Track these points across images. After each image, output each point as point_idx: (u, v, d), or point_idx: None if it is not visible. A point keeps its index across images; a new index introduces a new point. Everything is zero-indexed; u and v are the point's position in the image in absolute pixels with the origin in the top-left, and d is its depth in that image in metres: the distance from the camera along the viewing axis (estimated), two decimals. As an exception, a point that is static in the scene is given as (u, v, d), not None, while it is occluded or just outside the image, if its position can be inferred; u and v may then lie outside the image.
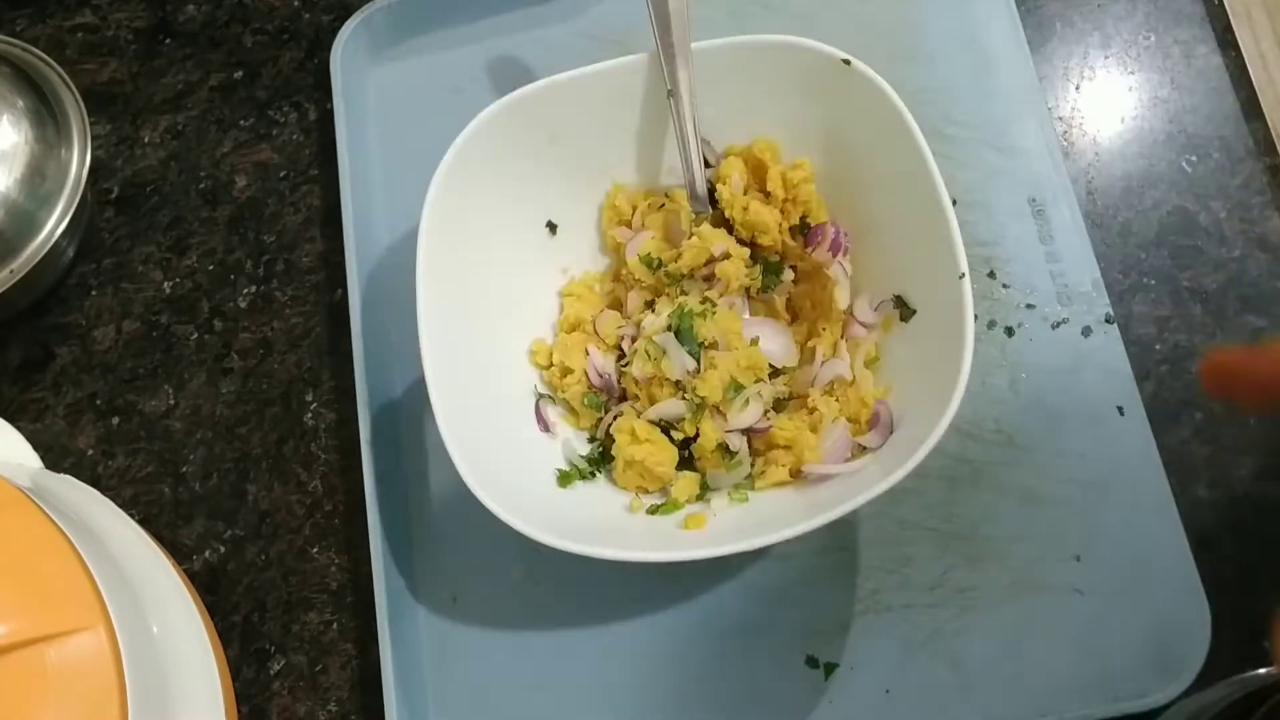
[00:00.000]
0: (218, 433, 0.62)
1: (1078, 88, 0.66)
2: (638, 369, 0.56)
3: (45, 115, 0.62)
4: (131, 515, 0.55)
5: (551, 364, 0.58)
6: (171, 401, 0.63)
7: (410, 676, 0.55)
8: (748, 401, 0.55)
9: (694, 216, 0.59)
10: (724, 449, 0.55)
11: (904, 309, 0.54)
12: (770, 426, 0.55)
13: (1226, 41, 0.66)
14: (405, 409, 0.61)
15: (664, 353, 0.55)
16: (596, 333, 0.59)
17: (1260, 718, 0.44)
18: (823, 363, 0.56)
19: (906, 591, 0.55)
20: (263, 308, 0.64)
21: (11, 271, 0.60)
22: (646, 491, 0.56)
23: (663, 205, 0.60)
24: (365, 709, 0.57)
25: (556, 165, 0.59)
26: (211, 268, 0.66)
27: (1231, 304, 0.61)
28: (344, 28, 0.67)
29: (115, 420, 0.63)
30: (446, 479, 0.59)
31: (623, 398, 0.58)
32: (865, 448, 0.53)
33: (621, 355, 0.58)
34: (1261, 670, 0.53)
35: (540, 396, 0.58)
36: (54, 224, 0.61)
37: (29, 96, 0.62)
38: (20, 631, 0.43)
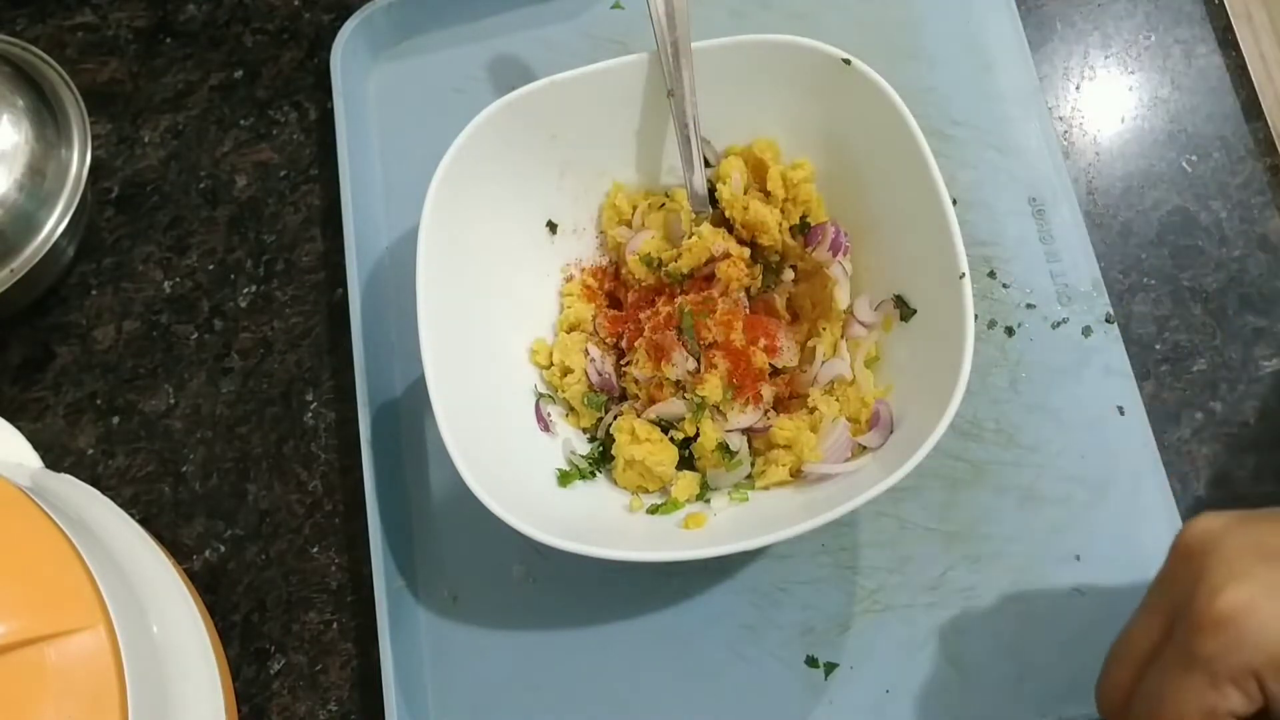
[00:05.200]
0: (218, 432, 0.62)
1: (1078, 88, 0.66)
2: (638, 369, 0.56)
3: (45, 115, 0.62)
4: (131, 515, 0.55)
5: (551, 364, 0.58)
6: (171, 401, 0.63)
7: (410, 676, 0.55)
8: (748, 401, 0.55)
9: (694, 216, 0.59)
10: (724, 449, 0.55)
11: (904, 309, 0.54)
12: (770, 426, 0.55)
13: (1226, 41, 0.66)
14: (405, 409, 0.61)
15: (665, 352, 0.55)
16: (596, 333, 0.59)
17: None
18: (823, 362, 0.56)
19: (906, 591, 0.55)
20: (263, 307, 0.64)
21: (11, 271, 0.60)
22: (646, 491, 0.56)
23: (663, 205, 0.60)
24: (365, 709, 0.57)
25: (557, 165, 0.59)
26: (211, 267, 0.66)
27: (1231, 304, 0.61)
28: (344, 27, 0.67)
29: (115, 420, 0.63)
30: (446, 479, 0.59)
31: (623, 397, 0.58)
32: (865, 447, 0.53)
33: (621, 355, 0.58)
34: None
35: (540, 396, 0.58)
36: (54, 224, 0.61)
37: (29, 96, 0.62)
38: (20, 631, 0.43)
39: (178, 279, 0.65)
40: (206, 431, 0.62)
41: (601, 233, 0.61)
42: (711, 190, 0.59)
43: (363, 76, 0.68)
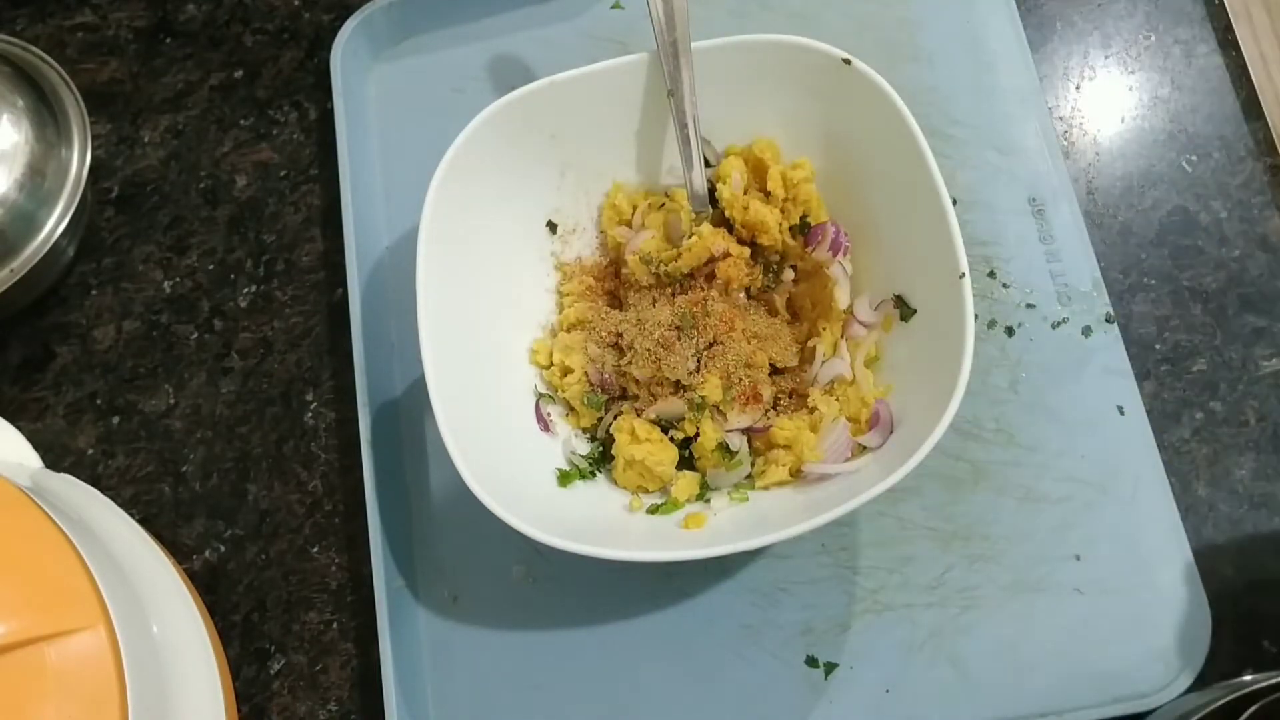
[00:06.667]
0: (218, 432, 0.62)
1: (1078, 88, 0.66)
2: (638, 369, 0.56)
3: (45, 115, 0.62)
4: (131, 515, 0.55)
5: (551, 363, 0.58)
6: (171, 401, 0.63)
7: (410, 676, 0.55)
8: (748, 401, 0.55)
9: (694, 216, 0.59)
10: (724, 448, 0.55)
11: (904, 309, 0.54)
12: (770, 426, 0.55)
13: (1226, 41, 0.66)
14: (405, 409, 0.61)
15: (665, 352, 0.55)
16: (597, 332, 0.59)
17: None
18: (823, 362, 0.56)
19: (906, 591, 0.55)
20: (263, 307, 0.64)
21: (11, 271, 0.60)
22: (646, 491, 0.56)
23: (663, 205, 0.60)
24: (365, 709, 0.57)
25: (557, 165, 0.59)
26: (211, 267, 0.66)
27: (1231, 304, 0.61)
28: (344, 27, 0.67)
29: (115, 420, 0.63)
30: (446, 479, 0.59)
31: (623, 397, 0.58)
32: (865, 447, 0.53)
33: (621, 355, 0.58)
34: (1249, 676, 0.53)
35: (540, 396, 0.58)
36: (54, 224, 0.61)
37: (29, 96, 0.62)
38: (20, 631, 0.43)
39: (178, 279, 0.65)
40: (206, 431, 0.62)
41: (601, 233, 0.61)
42: (711, 190, 0.59)
43: (363, 76, 0.68)
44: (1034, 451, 0.57)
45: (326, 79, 0.67)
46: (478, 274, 0.56)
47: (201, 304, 0.65)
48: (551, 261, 0.60)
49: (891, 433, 0.52)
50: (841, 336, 0.56)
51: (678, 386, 0.55)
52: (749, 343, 0.56)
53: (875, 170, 0.55)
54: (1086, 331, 0.59)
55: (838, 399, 0.55)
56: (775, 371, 0.57)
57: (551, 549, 0.48)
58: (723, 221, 0.59)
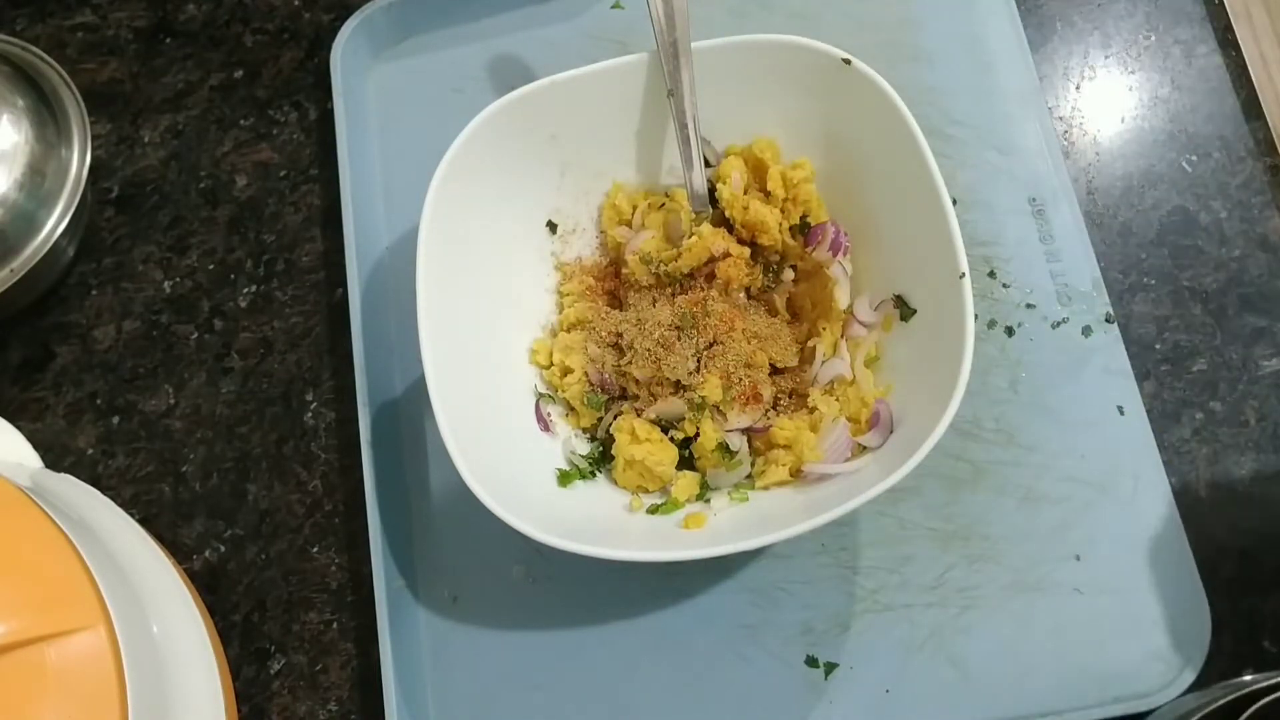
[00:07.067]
0: (218, 432, 0.62)
1: (1078, 88, 0.66)
2: (638, 369, 0.56)
3: (45, 115, 0.62)
4: (131, 515, 0.55)
5: (551, 363, 0.58)
6: (171, 401, 0.63)
7: (410, 676, 0.55)
8: (748, 401, 0.55)
9: (694, 216, 0.59)
10: (724, 448, 0.55)
11: (904, 308, 0.54)
12: (770, 426, 0.55)
13: (1226, 41, 0.66)
14: (405, 409, 0.61)
15: (665, 352, 0.55)
16: (597, 332, 0.59)
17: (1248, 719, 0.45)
18: (823, 362, 0.56)
19: (906, 591, 0.55)
20: (263, 307, 0.64)
21: (12, 271, 0.60)
22: (646, 491, 0.56)
23: (663, 205, 0.60)
24: (365, 709, 0.57)
25: (557, 165, 0.59)
26: (211, 267, 0.66)
27: (1231, 304, 0.61)
28: (344, 27, 0.67)
29: (115, 420, 0.63)
30: (446, 479, 0.59)
31: (623, 397, 0.58)
32: (865, 447, 0.53)
33: (621, 354, 0.58)
34: (1249, 676, 0.53)
35: (540, 396, 0.58)
36: (54, 224, 0.61)
37: (29, 96, 0.62)
38: (20, 631, 0.43)
39: (178, 279, 0.65)
40: (206, 431, 0.62)
41: (601, 233, 0.61)
42: (711, 190, 0.59)
43: (363, 76, 0.68)
44: (1034, 451, 0.57)
45: (326, 79, 0.67)
46: (478, 274, 0.56)
47: (201, 304, 0.65)
48: (551, 261, 0.60)
49: (891, 433, 0.52)
50: (841, 336, 0.56)
51: (678, 386, 0.55)
52: (749, 343, 0.56)
53: (875, 170, 0.55)
54: (1086, 331, 0.59)
55: (838, 399, 0.55)
56: (775, 371, 0.57)
57: (551, 549, 0.48)
58: (723, 221, 0.59)
